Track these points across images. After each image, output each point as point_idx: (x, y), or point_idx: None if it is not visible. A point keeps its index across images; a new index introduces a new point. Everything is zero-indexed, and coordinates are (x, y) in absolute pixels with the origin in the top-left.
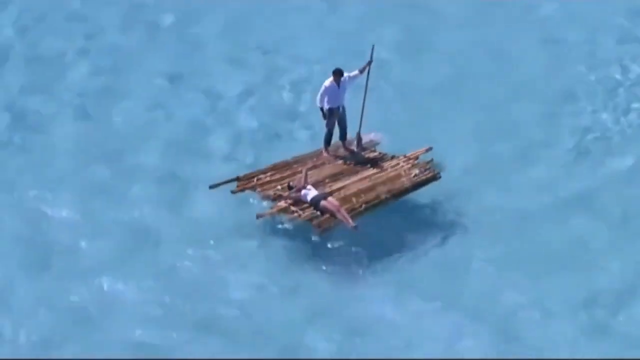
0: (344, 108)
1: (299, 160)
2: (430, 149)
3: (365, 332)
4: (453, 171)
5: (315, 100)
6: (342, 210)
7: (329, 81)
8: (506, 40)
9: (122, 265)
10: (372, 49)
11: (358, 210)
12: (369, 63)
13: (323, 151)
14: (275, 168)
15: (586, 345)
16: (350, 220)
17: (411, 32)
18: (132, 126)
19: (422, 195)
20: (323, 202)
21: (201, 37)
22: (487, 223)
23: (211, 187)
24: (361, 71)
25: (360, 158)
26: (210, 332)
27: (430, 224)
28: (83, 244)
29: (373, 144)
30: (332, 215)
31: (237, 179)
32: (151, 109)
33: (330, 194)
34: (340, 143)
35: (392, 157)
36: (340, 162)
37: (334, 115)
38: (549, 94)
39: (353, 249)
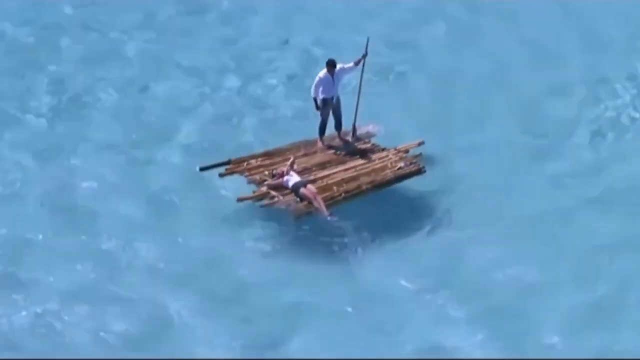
0: (338, 99)
1: (293, 148)
2: (422, 142)
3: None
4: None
5: (310, 90)
6: (319, 199)
7: (322, 72)
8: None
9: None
10: (367, 42)
11: (337, 198)
12: (364, 56)
13: (318, 140)
14: (268, 154)
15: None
16: (324, 210)
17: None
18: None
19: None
20: (302, 189)
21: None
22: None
23: (201, 169)
24: (356, 64)
25: (353, 148)
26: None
27: (434, 213)
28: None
29: (369, 135)
30: (310, 202)
31: (229, 162)
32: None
33: (311, 181)
34: (336, 133)
35: (383, 149)
36: (332, 151)
37: (328, 106)
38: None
39: (350, 229)
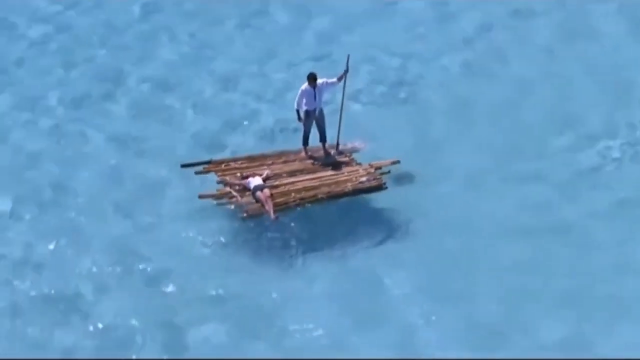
0: (321, 111)
1: (275, 155)
2: (396, 162)
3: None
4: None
5: (294, 103)
6: (270, 202)
7: (305, 85)
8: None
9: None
10: (348, 59)
11: (290, 204)
12: (345, 72)
13: (302, 151)
14: (249, 158)
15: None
16: (272, 213)
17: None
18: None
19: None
20: (258, 192)
21: None
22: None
23: (182, 165)
24: (339, 79)
25: (330, 160)
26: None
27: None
28: None
29: (353, 150)
30: (263, 205)
31: (209, 162)
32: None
33: (273, 186)
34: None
35: (358, 164)
36: (310, 162)
37: (311, 117)
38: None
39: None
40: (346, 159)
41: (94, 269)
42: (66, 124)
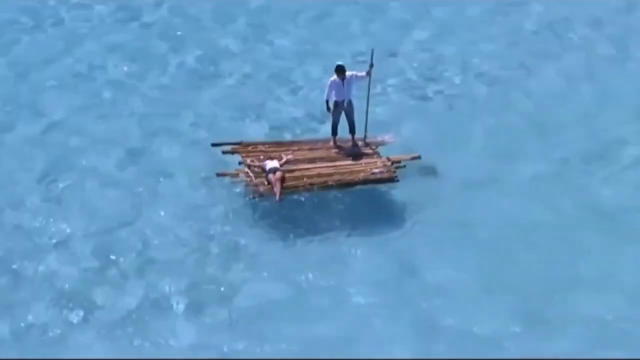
0: (350, 103)
1: (303, 142)
2: (417, 157)
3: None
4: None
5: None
6: (278, 185)
7: (333, 77)
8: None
9: None
10: (372, 54)
11: (299, 188)
12: (371, 67)
13: (331, 140)
14: (278, 143)
15: None
16: (277, 195)
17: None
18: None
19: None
20: (271, 175)
21: None
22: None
23: (213, 144)
24: (367, 74)
25: (354, 151)
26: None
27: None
28: None
29: (380, 143)
30: (272, 186)
31: (239, 143)
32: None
33: (287, 170)
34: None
35: (378, 157)
36: (335, 151)
37: (339, 108)
38: None
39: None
40: (370, 151)
41: None
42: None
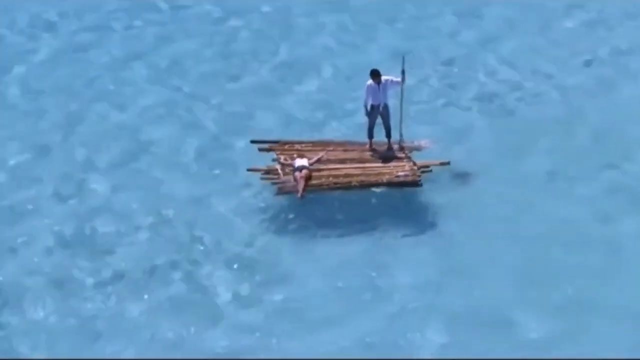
0: (386, 106)
1: (339, 143)
2: (446, 163)
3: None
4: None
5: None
6: (302, 183)
7: (369, 81)
8: None
9: None
10: (403, 60)
11: (323, 186)
12: (402, 73)
13: (368, 143)
14: (314, 143)
15: None
16: (300, 192)
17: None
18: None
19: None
20: (297, 172)
21: None
22: None
23: (252, 141)
24: (402, 80)
25: (387, 154)
26: None
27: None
28: None
29: (415, 148)
30: (297, 184)
31: (277, 141)
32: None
33: (308, 167)
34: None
35: (408, 160)
36: (368, 153)
37: (375, 112)
38: None
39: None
40: (403, 155)
41: None
42: None
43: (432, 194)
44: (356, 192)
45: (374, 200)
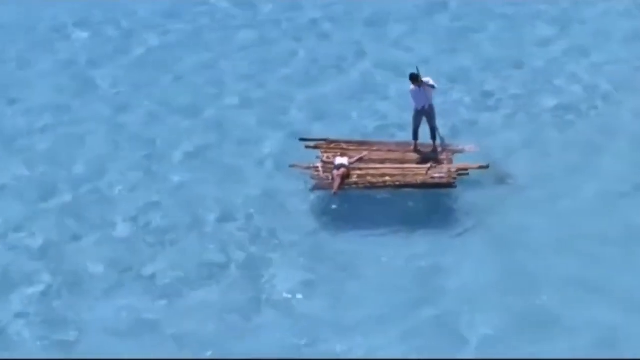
0: (431, 107)
1: (383, 143)
2: (484, 167)
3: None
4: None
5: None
6: (338, 181)
7: (412, 86)
8: None
9: None
10: (417, 70)
11: (359, 185)
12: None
13: (413, 144)
14: (360, 142)
15: None
16: (335, 188)
17: None
18: None
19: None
20: (335, 170)
21: None
22: None
23: (301, 139)
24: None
25: (428, 156)
26: None
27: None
28: None
29: (458, 151)
30: (333, 182)
31: (324, 140)
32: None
33: (346, 166)
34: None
35: (448, 163)
36: (411, 154)
37: (420, 114)
38: None
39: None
40: (444, 157)
41: None
42: None
43: (485, 197)
44: (408, 192)
45: (427, 201)
